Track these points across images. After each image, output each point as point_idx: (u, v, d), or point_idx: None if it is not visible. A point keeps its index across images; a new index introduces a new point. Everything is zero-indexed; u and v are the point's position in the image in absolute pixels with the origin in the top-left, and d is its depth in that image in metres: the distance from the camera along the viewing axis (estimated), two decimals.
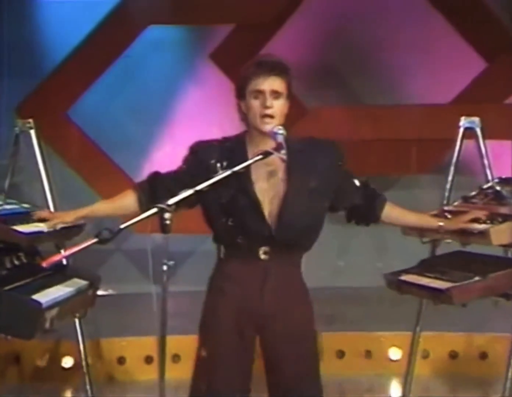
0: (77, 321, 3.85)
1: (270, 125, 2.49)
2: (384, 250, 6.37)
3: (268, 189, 2.54)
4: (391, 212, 2.75)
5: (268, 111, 2.49)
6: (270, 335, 2.56)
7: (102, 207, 2.77)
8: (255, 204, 2.51)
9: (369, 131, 6.44)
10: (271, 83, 2.49)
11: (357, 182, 2.69)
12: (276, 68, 2.51)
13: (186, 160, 2.62)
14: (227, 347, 2.53)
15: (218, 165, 2.54)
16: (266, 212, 2.52)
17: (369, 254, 6.41)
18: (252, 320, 2.54)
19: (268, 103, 2.49)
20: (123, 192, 2.67)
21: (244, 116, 2.56)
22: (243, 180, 2.48)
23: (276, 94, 2.50)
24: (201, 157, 2.57)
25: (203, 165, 2.55)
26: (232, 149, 2.57)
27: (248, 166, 2.46)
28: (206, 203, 2.55)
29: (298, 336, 2.56)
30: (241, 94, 2.54)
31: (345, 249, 6.54)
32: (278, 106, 2.51)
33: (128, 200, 2.63)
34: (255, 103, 2.50)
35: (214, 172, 2.48)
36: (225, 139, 2.62)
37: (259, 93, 2.50)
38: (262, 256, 2.53)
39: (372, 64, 6.68)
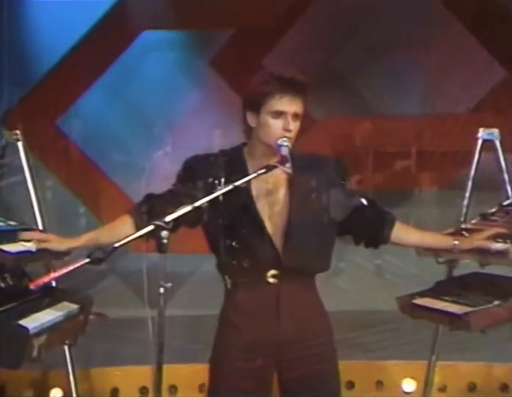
0: (66, 348, 3.84)
1: (285, 143, 2.51)
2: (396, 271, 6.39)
3: (270, 207, 2.56)
4: (401, 232, 2.76)
5: (288, 134, 2.52)
6: (292, 366, 2.55)
7: (100, 236, 2.71)
8: (259, 224, 2.52)
9: (380, 143, 6.46)
10: (296, 106, 2.53)
11: (362, 201, 2.70)
12: (302, 90, 2.54)
13: (181, 178, 2.65)
14: (240, 390, 2.54)
15: (216, 181, 2.56)
16: (271, 232, 2.53)
17: (379, 275, 6.42)
18: (269, 353, 2.54)
19: (291, 127, 2.52)
20: (119, 218, 2.68)
21: (249, 129, 2.59)
22: (243, 197, 2.50)
23: (297, 116, 2.55)
24: (196, 173, 2.60)
25: (199, 181, 2.57)
26: (230, 163, 2.59)
27: (248, 182, 2.48)
28: (207, 224, 2.57)
29: (322, 365, 2.57)
30: (253, 107, 2.55)
31: (354, 271, 6.54)
32: (296, 128, 2.55)
33: (125, 226, 2.63)
34: (275, 124, 2.52)
35: (212, 188, 2.51)
36: (222, 153, 2.65)
37: (281, 114, 2.52)
38: (271, 280, 2.54)
39: (383, 72, 6.71)
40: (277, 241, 2.54)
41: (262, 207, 2.54)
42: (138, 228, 2.55)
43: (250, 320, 2.54)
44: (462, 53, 6.60)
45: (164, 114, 6.71)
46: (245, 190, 2.49)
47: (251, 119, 2.56)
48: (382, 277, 6.57)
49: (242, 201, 2.50)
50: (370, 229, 2.70)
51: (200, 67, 6.73)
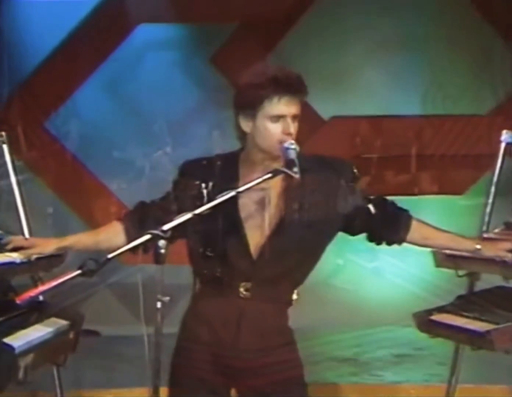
0: (55, 369, 3.81)
1: (292, 145, 2.49)
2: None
3: (258, 216, 2.54)
4: (418, 231, 2.71)
5: (289, 138, 2.50)
6: (249, 390, 2.56)
7: (86, 239, 2.74)
8: (239, 233, 2.52)
9: (394, 145, 6.45)
10: (294, 107, 2.51)
11: (373, 201, 2.67)
12: (299, 90, 2.52)
13: (175, 184, 2.65)
14: None
15: (204, 185, 2.56)
16: (251, 242, 2.53)
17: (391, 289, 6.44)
18: (227, 371, 2.55)
19: (292, 129, 2.50)
20: (109, 224, 2.69)
21: (243, 135, 2.57)
22: (228, 204, 2.45)
23: (295, 118, 2.53)
24: (189, 179, 2.60)
25: (192, 188, 2.58)
26: (223, 169, 2.59)
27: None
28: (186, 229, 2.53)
29: (283, 389, 2.55)
30: (247, 112, 2.53)
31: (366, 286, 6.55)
32: (296, 129, 2.53)
33: (114, 232, 2.64)
34: (274, 129, 2.50)
35: (210, 194, 2.51)
36: (217, 158, 2.64)
37: (280, 117, 2.50)
38: (243, 293, 2.54)
39: (397, 68, 6.72)
40: (257, 253, 2.53)
41: (248, 216, 2.53)
42: (129, 237, 2.56)
43: (210, 333, 2.55)
44: (487, 54, 6.61)
45: (161, 113, 6.75)
46: (231, 197, 2.44)
47: (245, 125, 2.54)
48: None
49: (226, 207, 2.46)
50: (384, 227, 2.68)
51: (200, 65, 6.77)
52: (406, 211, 2.73)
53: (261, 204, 2.55)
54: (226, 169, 2.59)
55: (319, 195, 2.58)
